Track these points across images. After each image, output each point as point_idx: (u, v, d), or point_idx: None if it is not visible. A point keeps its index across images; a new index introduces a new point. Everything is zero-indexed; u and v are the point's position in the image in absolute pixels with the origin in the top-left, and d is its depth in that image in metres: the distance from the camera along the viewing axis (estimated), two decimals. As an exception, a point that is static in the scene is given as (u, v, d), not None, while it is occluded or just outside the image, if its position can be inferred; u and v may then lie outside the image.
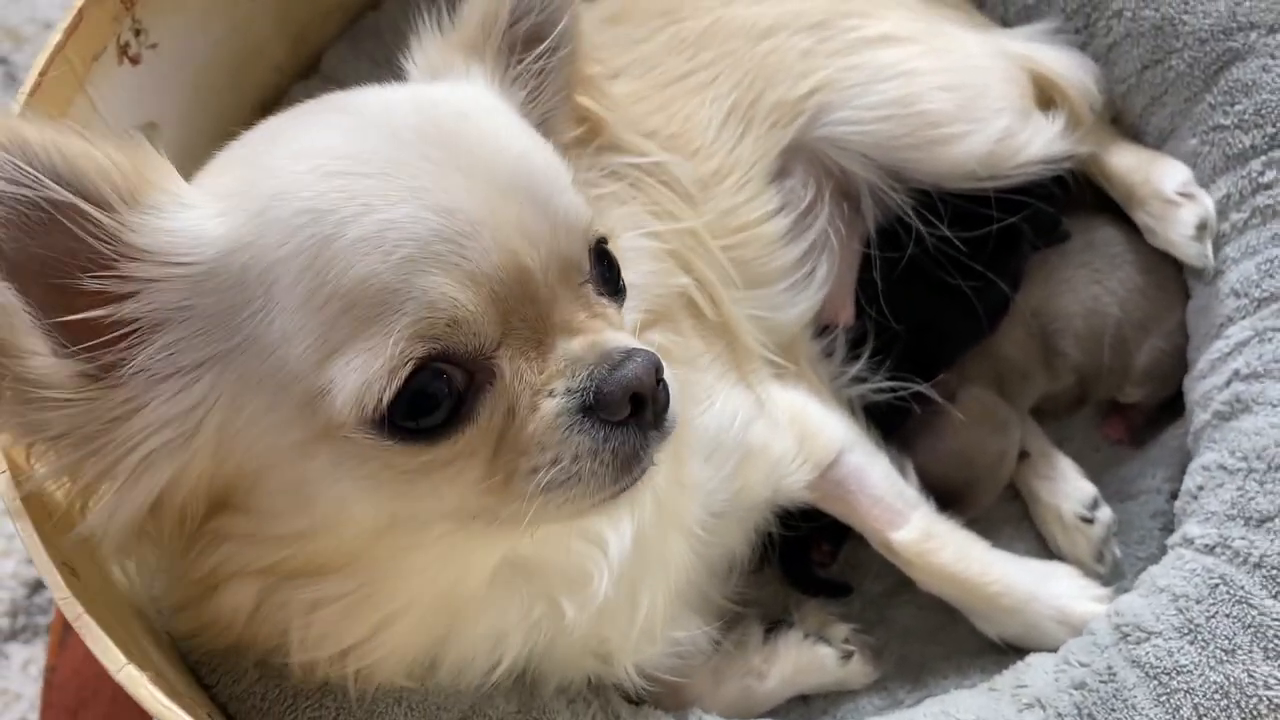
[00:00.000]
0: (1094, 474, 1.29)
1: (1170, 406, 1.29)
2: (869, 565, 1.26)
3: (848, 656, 1.15)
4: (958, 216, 1.19)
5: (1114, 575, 1.22)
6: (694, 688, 1.10)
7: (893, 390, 1.17)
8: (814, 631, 1.16)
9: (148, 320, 0.66)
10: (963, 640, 1.20)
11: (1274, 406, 1.07)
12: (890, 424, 1.21)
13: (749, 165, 1.14)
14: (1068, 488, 1.24)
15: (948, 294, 1.18)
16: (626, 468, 0.71)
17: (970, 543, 1.16)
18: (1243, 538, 1.01)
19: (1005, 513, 1.30)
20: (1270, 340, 1.12)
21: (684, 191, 1.05)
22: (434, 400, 0.66)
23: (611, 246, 0.82)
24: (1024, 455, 1.26)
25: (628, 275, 0.84)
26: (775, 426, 1.10)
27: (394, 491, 0.69)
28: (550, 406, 0.69)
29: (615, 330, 0.76)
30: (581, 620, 0.88)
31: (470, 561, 0.80)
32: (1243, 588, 0.98)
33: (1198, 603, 0.99)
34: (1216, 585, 1.00)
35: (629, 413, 0.70)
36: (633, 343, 0.73)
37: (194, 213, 0.68)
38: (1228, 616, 0.97)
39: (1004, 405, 1.22)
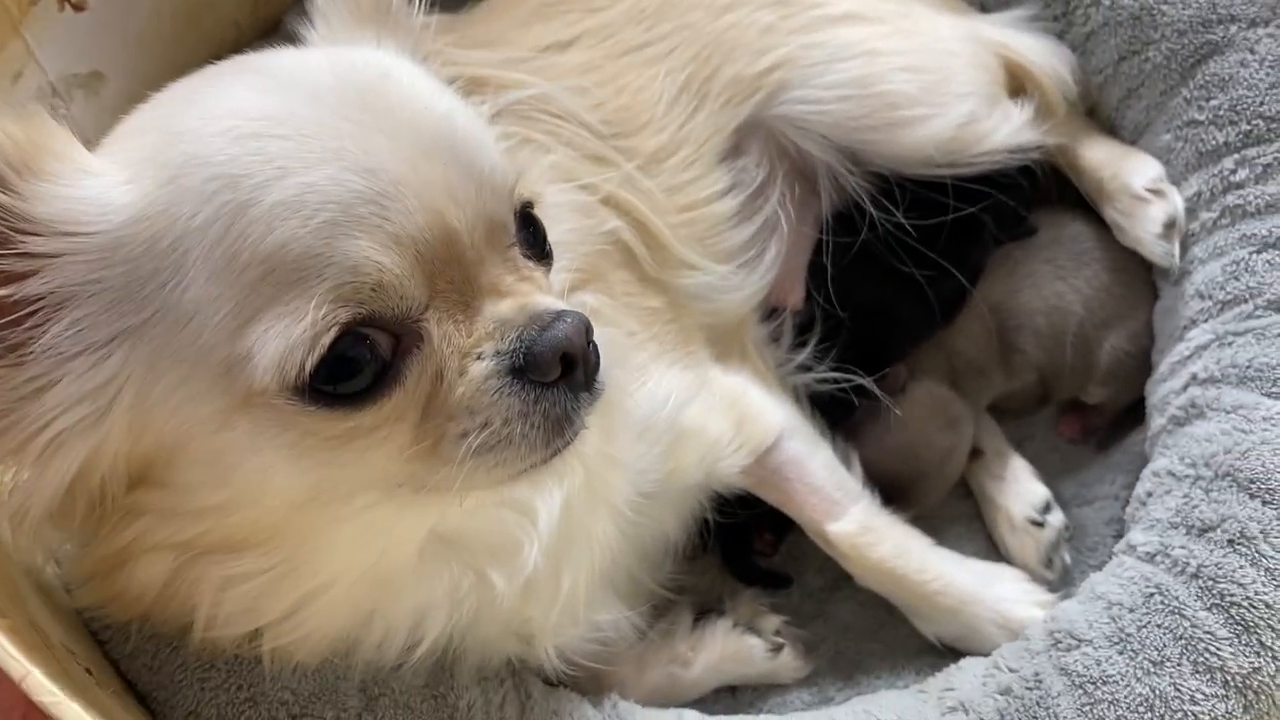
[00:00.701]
0: (1052, 476, 1.25)
1: (1137, 410, 1.25)
2: (812, 557, 1.23)
3: (777, 649, 1.12)
4: (916, 204, 1.15)
5: (1063, 582, 1.18)
6: (617, 674, 1.08)
7: (835, 381, 1.14)
8: (745, 622, 1.14)
9: (53, 297, 0.64)
10: (902, 640, 1.17)
11: (1227, 413, 1.03)
12: (838, 414, 1.18)
13: (700, 142, 1.11)
14: (1019, 489, 1.21)
15: (900, 281, 1.15)
16: (558, 430, 0.69)
17: (910, 539, 1.13)
18: (1182, 547, 0.98)
19: (956, 511, 1.26)
20: (1230, 345, 1.08)
21: (598, 131, 1.02)
22: (357, 365, 0.64)
23: (539, 210, 0.80)
24: (977, 453, 1.23)
25: (554, 232, 0.82)
26: (712, 409, 1.07)
27: (317, 460, 0.67)
28: (479, 369, 0.67)
29: (543, 293, 0.74)
30: (510, 593, 0.85)
31: (397, 534, 0.78)
32: (1177, 598, 0.95)
33: (1131, 611, 0.96)
34: (1152, 594, 0.96)
35: (559, 374, 0.68)
36: (561, 304, 0.72)
37: (98, 181, 0.65)
38: (1159, 627, 0.94)
39: (956, 401, 1.19)
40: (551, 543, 0.86)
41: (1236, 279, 1.10)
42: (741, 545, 1.22)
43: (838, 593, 1.22)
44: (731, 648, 1.11)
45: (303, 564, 0.75)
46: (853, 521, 1.11)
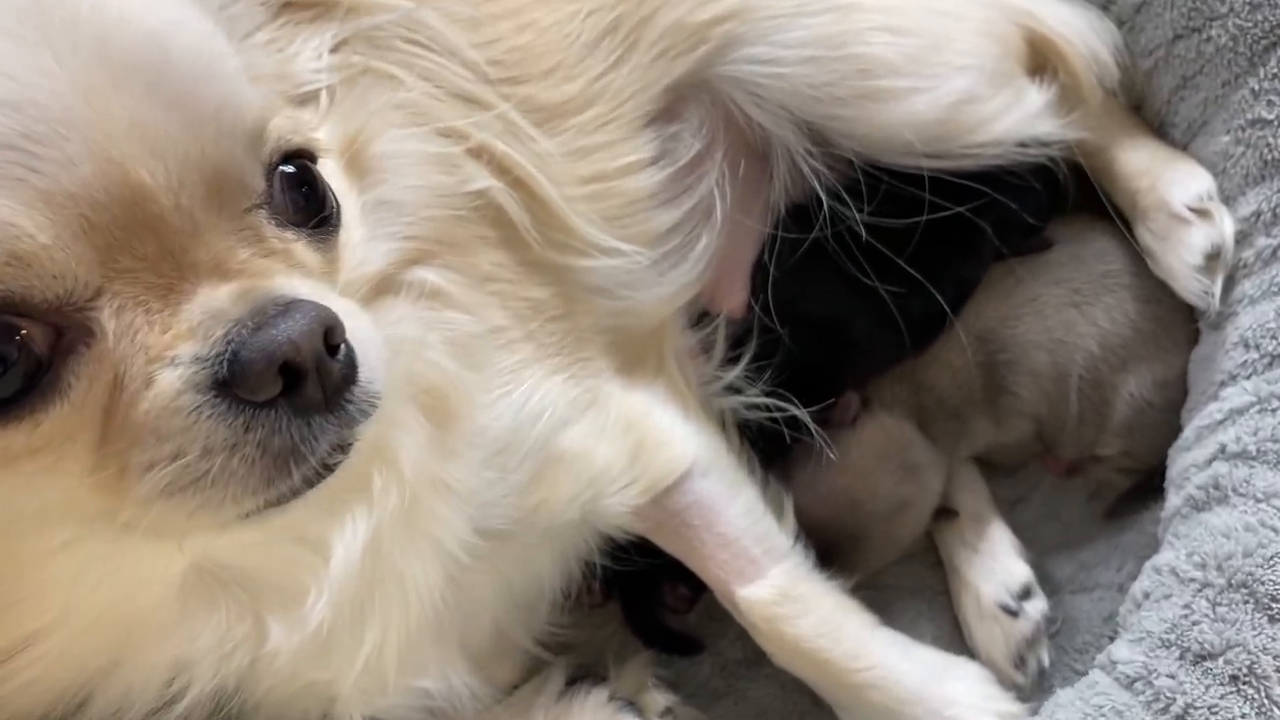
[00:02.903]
0: (1045, 553, 1.02)
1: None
2: (732, 622, 1.00)
3: (661, 736, 0.91)
4: (891, 200, 0.92)
5: (1036, 689, 0.95)
6: (451, 751, 0.88)
7: (767, 409, 0.91)
8: (626, 694, 0.92)
9: None
10: (828, 736, 0.94)
11: (1257, 502, 0.79)
12: (775, 448, 0.95)
13: (621, 99, 0.89)
14: (995, 565, 0.97)
15: (859, 294, 0.92)
16: (281, 466, 0.53)
17: (844, 614, 0.91)
18: (1171, 675, 0.74)
19: (921, 582, 1.03)
20: (1275, 412, 0.82)
21: (480, 71, 0.81)
22: (4, 364, 0.49)
23: (322, 165, 0.64)
24: (950, 514, 0.99)
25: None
26: (603, 431, 0.86)
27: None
28: (169, 381, 0.51)
29: (291, 274, 0.57)
30: (289, 647, 0.67)
31: (134, 572, 0.61)
32: (1153, 747, 0.71)
33: (1091, 756, 0.72)
34: (1121, 735, 0.72)
35: (279, 390, 0.51)
36: (302, 291, 0.54)
37: None
38: (1124, 784, 0.70)
39: (919, 444, 0.95)
40: (350, 589, 0.68)
41: (1293, 327, 0.85)
42: (647, 597, 1.01)
43: (757, 669, 1.00)
44: (600, 728, 0.90)
45: (16, 603, 0.59)
46: (770, 586, 0.89)
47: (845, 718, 0.93)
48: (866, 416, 0.95)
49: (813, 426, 0.91)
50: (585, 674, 0.94)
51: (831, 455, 0.91)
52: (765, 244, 0.95)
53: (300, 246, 0.60)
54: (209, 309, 0.52)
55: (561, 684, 0.93)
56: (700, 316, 0.97)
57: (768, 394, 0.92)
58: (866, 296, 0.92)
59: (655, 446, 0.88)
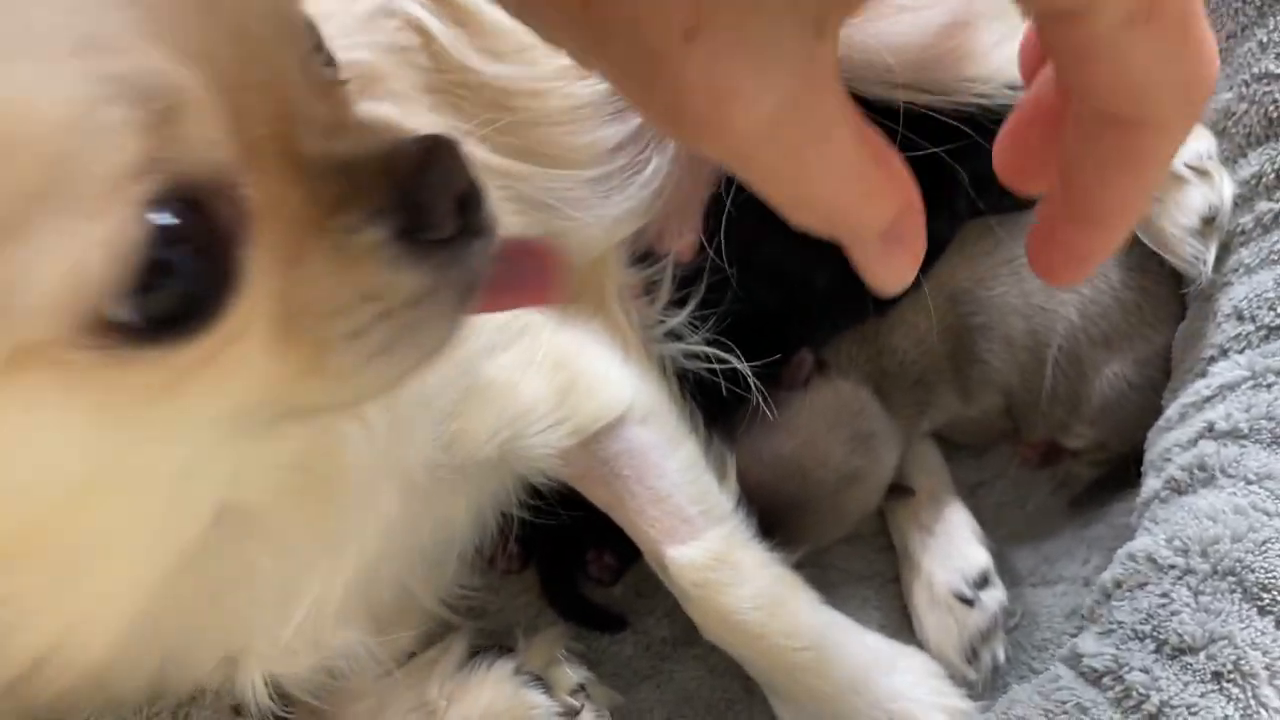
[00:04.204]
0: (1007, 541, 0.93)
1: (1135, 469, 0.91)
2: (661, 599, 0.92)
3: (570, 715, 0.81)
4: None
5: (989, 687, 0.86)
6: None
7: (707, 358, 0.82)
8: (534, 669, 0.82)
9: None
10: (755, 726, 0.85)
11: (1247, 484, 0.70)
12: (714, 404, 0.86)
13: None
14: (951, 549, 0.88)
15: (818, 243, 0.82)
16: (465, 298, 0.48)
17: (784, 588, 0.81)
18: (1145, 670, 0.65)
19: (869, 566, 0.94)
20: (1269, 388, 0.74)
21: None
22: (179, 271, 0.39)
23: None
24: (906, 492, 0.90)
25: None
26: (531, 365, 0.77)
27: (127, 429, 0.42)
28: (364, 241, 0.45)
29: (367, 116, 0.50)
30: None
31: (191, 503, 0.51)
32: (1122, 750, 0.62)
33: (1050, 757, 0.63)
34: (1085, 735, 0.63)
35: (460, 224, 0.46)
36: (409, 126, 0.49)
37: None
38: (1086, 790, 0.61)
39: (877, 412, 0.86)
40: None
41: (1294, 297, 0.76)
42: (567, 564, 0.91)
43: (685, 650, 0.90)
44: (503, 703, 0.80)
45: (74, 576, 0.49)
46: (704, 550, 0.80)
47: (778, 705, 0.84)
48: (820, 378, 0.86)
49: (753, 382, 0.82)
50: (491, 644, 0.85)
51: (771, 415, 0.81)
52: (722, 179, 0.86)
53: (343, 89, 0.51)
54: (338, 162, 0.44)
55: (463, 653, 0.83)
56: (645, 255, 0.87)
57: (709, 343, 0.83)
58: (826, 247, 0.82)
59: (588, 386, 0.79)
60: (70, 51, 0.35)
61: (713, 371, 0.83)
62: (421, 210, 0.45)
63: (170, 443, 0.45)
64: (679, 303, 0.85)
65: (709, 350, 0.83)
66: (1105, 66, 0.40)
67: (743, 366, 0.81)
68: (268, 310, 0.44)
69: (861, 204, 0.44)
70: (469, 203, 0.47)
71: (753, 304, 0.84)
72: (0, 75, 0.33)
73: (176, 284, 0.39)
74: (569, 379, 0.78)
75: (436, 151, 0.46)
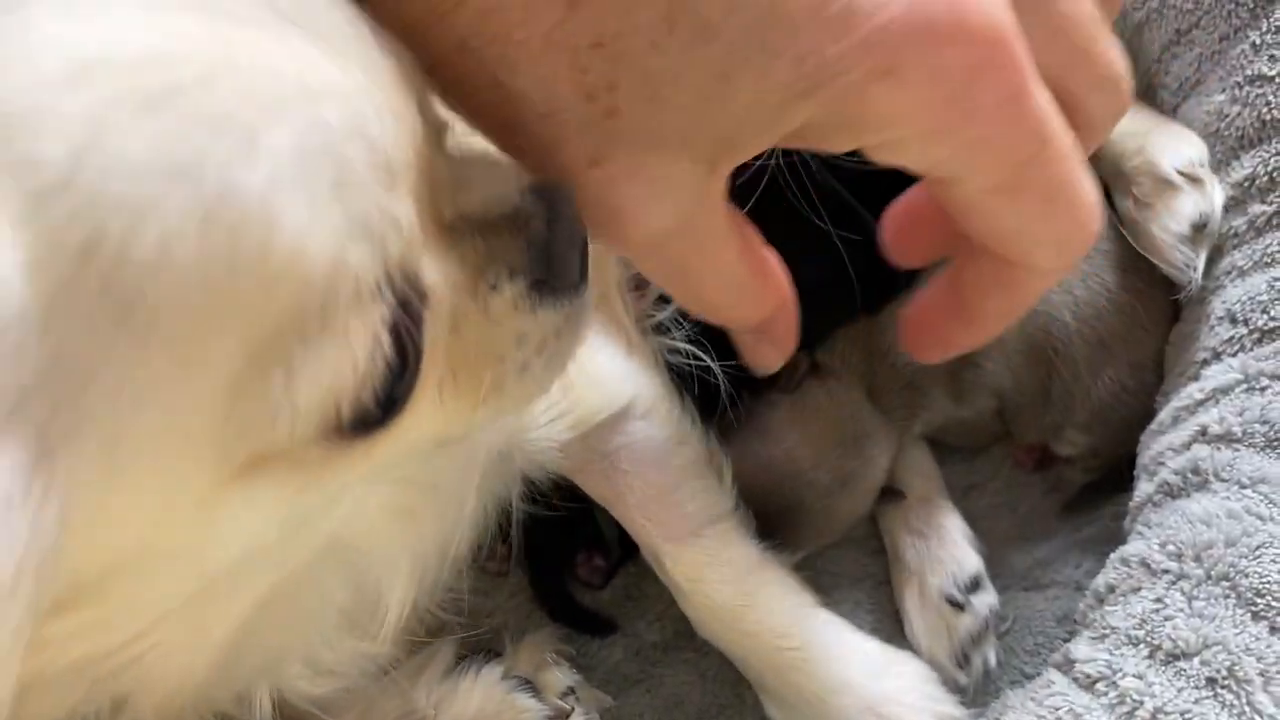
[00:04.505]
0: (998, 545, 0.92)
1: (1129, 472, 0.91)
2: (654, 601, 0.92)
3: (560, 718, 0.80)
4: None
5: (981, 691, 0.85)
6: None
7: (686, 356, 0.82)
8: (523, 674, 0.82)
9: None
10: (746, 730, 0.85)
11: (1241, 488, 0.70)
12: (718, 404, 0.85)
13: None
14: (943, 553, 0.88)
15: (809, 236, 0.82)
16: (581, 331, 0.53)
17: (779, 588, 0.82)
18: (1138, 676, 0.64)
19: (861, 569, 0.93)
20: (1263, 391, 0.74)
21: None
22: (391, 365, 0.42)
23: None
24: (897, 495, 0.90)
25: None
26: None
27: (320, 497, 0.47)
28: (504, 300, 0.48)
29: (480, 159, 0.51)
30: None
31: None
32: (1115, 756, 0.61)
33: (1042, 765, 0.63)
34: (1078, 743, 0.63)
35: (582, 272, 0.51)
36: (513, 168, 0.50)
37: None
38: (1080, 797, 0.61)
39: (869, 414, 0.86)
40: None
41: (1288, 301, 0.76)
42: (556, 566, 0.90)
43: (675, 653, 0.90)
44: (492, 708, 0.80)
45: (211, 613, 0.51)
46: (701, 548, 0.81)
47: (770, 705, 0.83)
48: (813, 380, 0.85)
49: (721, 380, 0.82)
50: (479, 649, 0.84)
51: (740, 414, 0.81)
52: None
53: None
54: (467, 216, 0.47)
55: (450, 660, 0.82)
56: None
57: (689, 339, 0.83)
58: (816, 240, 0.82)
59: (590, 380, 0.80)
60: (331, 193, 0.37)
61: (705, 369, 0.82)
62: (552, 263, 0.48)
63: (339, 501, 0.50)
64: (667, 298, 0.85)
65: (687, 347, 0.83)
66: (979, 221, 0.47)
67: (715, 365, 0.81)
68: (435, 373, 0.47)
69: (739, 305, 0.54)
70: (584, 251, 0.51)
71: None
72: (278, 209, 0.35)
73: (393, 376, 0.41)
74: (571, 372, 0.78)
75: (558, 206, 0.48)
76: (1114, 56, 0.48)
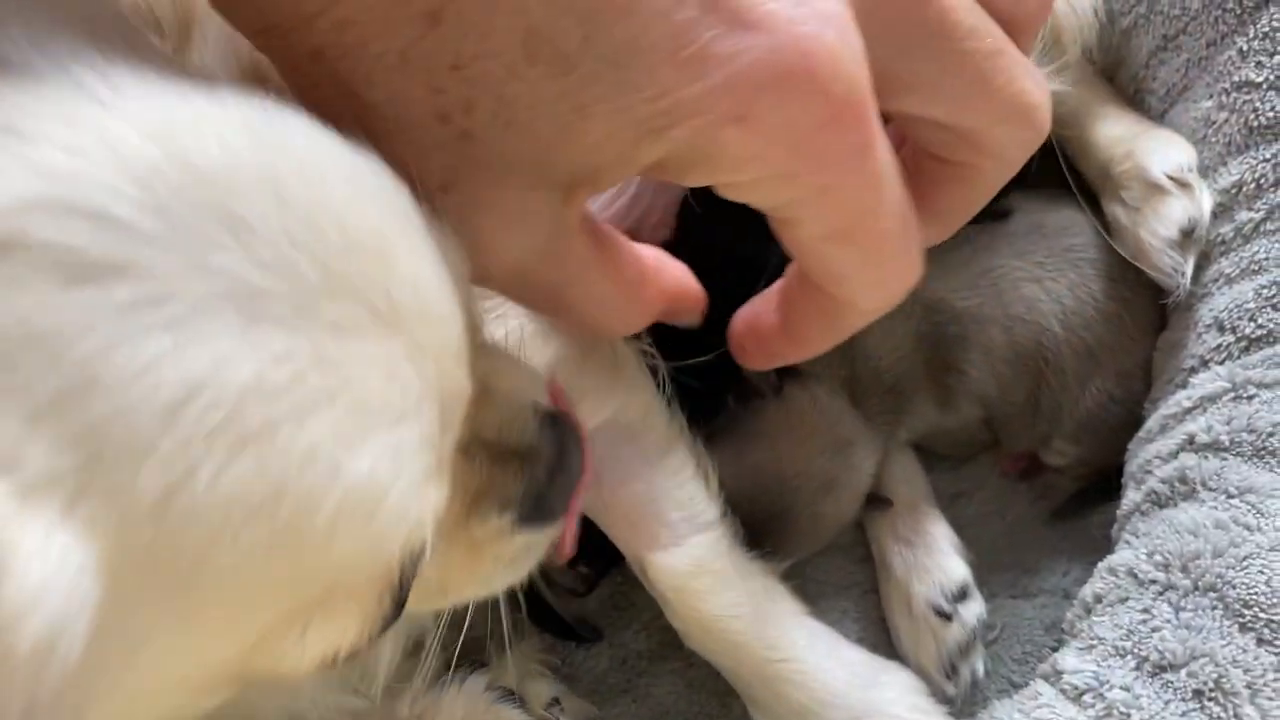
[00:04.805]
0: (985, 553, 0.92)
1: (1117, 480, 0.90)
2: (638, 612, 0.91)
3: (545, 731, 0.80)
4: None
5: (968, 702, 0.85)
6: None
7: (651, 356, 0.81)
8: (506, 685, 0.81)
9: None
10: (733, 742, 0.84)
11: (1229, 498, 0.69)
12: (704, 409, 0.85)
13: None
14: (930, 562, 0.87)
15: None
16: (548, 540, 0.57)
17: (766, 597, 0.81)
18: (1125, 688, 0.64)
19: (848, 578, 0.93)
20: (1250, 399, 0.73)
21: None
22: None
23: None
24: (883, 503, 0.89)
25: None
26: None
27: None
28: (489, 530, 0.50)
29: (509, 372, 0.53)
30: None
31: None
32: (1102, 769, 0.61)
33: (1028, 778, 0.62)
34: (1065, 755, 0.62)
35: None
36: (535, 394, 0.53)
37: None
38: (1067, 810, 0.60)
39: (853, 420, 0.85)
40: None
41: (1276, 308, 0.76)
42: (541, 575, 0.89)
43: (662, 663, 0.89)
44: (477, 719, 0.79)
45: None
46: (687, 556, 0.79)
47: (757, 715, 0.82)
48: (795, 385, 0.85)
49: (661, 369, 0.81)
50: (462, 660, 0.83)
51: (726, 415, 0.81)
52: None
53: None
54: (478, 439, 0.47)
55: (433, 670, 0.82)
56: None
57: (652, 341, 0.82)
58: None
59: (575, 389, 0.78)
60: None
61: (692, 374, 0.81)
62: (543, 508, 0.51)
63: None
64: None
65: (647, 349, 0.82)
66: (814, 261, 0.51)
67: (663, 366, 0.80)
68: (422, 587, 0.46)
69: (621, 319, 0.57)
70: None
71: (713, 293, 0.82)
72: (341, 536, 0.36)
73: (388, 621, 0.43)
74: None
75: (567, 446, 0.52)
76: (1021, 88, 0.49)
